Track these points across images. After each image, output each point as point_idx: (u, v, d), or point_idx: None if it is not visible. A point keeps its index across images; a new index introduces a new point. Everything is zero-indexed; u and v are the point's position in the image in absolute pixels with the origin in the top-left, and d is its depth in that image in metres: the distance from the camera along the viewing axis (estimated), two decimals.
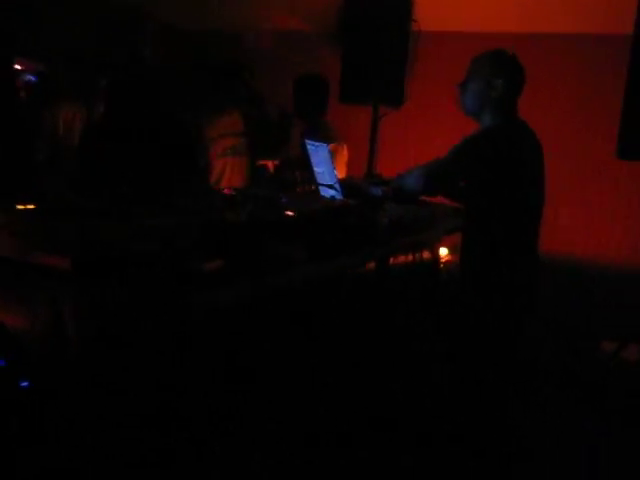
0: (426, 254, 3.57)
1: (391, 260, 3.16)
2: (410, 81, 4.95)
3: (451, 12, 4.89)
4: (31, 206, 2.04)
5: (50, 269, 1.87)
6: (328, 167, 3.33)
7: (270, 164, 4.22)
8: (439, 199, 3.64)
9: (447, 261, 3.47)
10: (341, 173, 4.02)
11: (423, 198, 3.54)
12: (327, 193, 3.00)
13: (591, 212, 4.78)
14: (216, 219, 2.08)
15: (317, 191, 3.17)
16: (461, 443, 2.89)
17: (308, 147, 3.11)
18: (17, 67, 5.50)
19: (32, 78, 5.61)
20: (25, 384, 1.62)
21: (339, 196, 3.21)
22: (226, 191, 2.54)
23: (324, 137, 4.13)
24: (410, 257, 3.35)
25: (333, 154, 3.73)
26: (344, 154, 4.27)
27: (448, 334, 3.01)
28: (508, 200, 2.80)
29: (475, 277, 2.91)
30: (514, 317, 2.93)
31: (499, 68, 2.79)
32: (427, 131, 5.17)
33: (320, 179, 3.07)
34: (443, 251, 4.05)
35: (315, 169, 3.09)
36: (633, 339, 3.88)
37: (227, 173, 4.24)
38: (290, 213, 2.42)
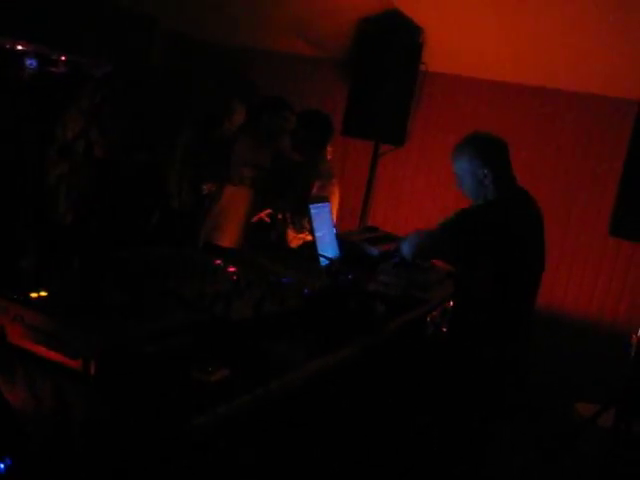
0: None
1: None
2: (413, 121, 5.01)
3: (461, 57, 4.93)
4: (44, 293, 2.09)
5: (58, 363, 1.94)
6: (329, 228, 3.40)
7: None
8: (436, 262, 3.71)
9: (434, 316, 3.54)
10: (333, 209, 4.08)
11: (419, 262, 3.61)
12: (325, 263, 3.06)
13: (574, 274, 4.87)
14: (221, 317, 2.12)
15: (315, 250, 3.19)
16: None
17: (312, 212, 3.16)
18: (19, 48, 5.51)
19: (32, 62, 5.61)
20: None
21: (337, 256, 3.30)
22: (231, 269, 2.58)
23: (320, 173, 4.21)
24: None
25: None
26: (335, 192, 4.33)
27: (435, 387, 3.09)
28: (500, 274, 2.83)
29: (464, 346, 2.97)
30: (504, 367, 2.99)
31: (479, 159, 2.80)
32: (425, 172, 5.23)
33: (320, 245, 3.13)
34: None
35: (316, 234, 3.15)
36: (610, 402, 3.96)
37: (235, 202, 4.30)
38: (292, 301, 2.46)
